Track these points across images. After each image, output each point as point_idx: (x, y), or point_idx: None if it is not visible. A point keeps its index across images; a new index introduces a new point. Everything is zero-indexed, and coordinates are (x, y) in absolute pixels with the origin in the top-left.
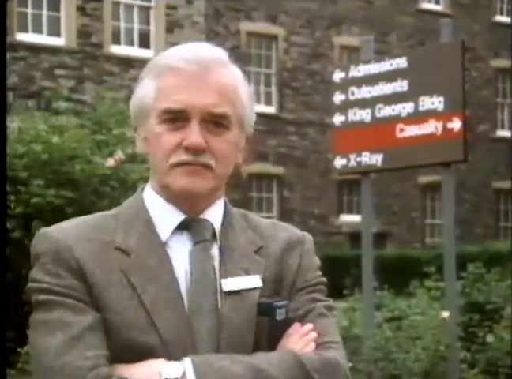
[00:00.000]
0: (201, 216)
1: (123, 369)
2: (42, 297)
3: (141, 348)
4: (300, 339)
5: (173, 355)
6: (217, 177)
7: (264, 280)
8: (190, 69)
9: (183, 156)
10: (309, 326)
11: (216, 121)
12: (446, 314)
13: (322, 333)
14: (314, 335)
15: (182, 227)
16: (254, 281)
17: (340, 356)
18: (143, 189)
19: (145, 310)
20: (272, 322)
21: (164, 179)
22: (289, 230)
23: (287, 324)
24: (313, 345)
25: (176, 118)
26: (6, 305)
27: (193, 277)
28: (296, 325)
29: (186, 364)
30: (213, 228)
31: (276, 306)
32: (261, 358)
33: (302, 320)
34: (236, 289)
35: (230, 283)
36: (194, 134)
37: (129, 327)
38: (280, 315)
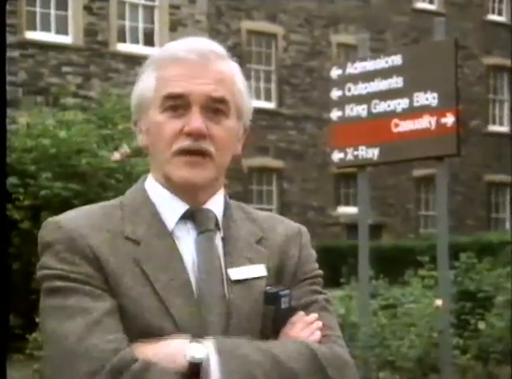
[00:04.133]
0: (204, 206)
1: (146, 348)
2: (57, 283)
3: (156, 333)
4: (306, 328)
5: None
6: (217, 165)
7: (267, 269)
8: (190, 58)
9: (185, 142)
10: (314, 315)
11: (215, 109)
12: (439, 302)
13: (326, 327)
14: (319, 324)
15: (185, 217)
16: (259, 270)
17: (346, 352)
18: (144, 180)
19: (158, 298)
20: (277, 310)
21: (166, 168)
22: (286, 223)
23: (290, 312)
24: (318, 334)
25: (177, 105)
26: (8, 300)
27: (200, 266)
28: (300, 314)
29: (209, 347)
30: (216, 218)
31: (281, 295)
32: (280, 349)
33: (304, 310)
34: (243, 278)
35: (237, 272)
36: (195, 119)
37: (144, 313)
38: (284, 303)
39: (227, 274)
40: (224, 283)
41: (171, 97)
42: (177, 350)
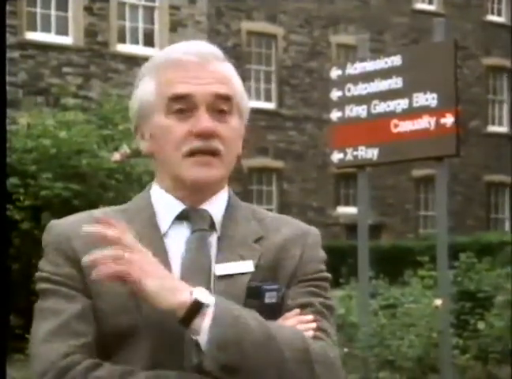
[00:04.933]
0: (202, 207)
1: (152, 271)
2: (42, 285)
3: (128, 331)
4: (299, 325)
5: (162, 338)
6: (225, 164)
7: (257, 266)
8: (189, 60)
9: (194, 143)
10: (310, 317)
11: (220, 108)
12: (438, 302)
13: (320, 330)
14: (313, 325)
15: (182, 218)
16: (246, 266)
17: (337, 356)
18: (150, 187)
19: (134, 296)
20: (261, 305)
21: (176, 170)
22: (295, 225)
23: (277, 308)
24: (311, 333)
25: (183, 109)
26: (8, 300)
27: (186, 263)
28: (296, 311)
29: (210, 298)
30: (211, 218)
31: (266, 289)
32: (277, 329)
33: (299, 309)
34: (228, 273)
35: (222, 268)
36: (204, 119)
37: (117, 311)
38: (269, 298)
39: (215, 270)
40: (210, 280)
41: (175, 98)
42: (184, 286)
